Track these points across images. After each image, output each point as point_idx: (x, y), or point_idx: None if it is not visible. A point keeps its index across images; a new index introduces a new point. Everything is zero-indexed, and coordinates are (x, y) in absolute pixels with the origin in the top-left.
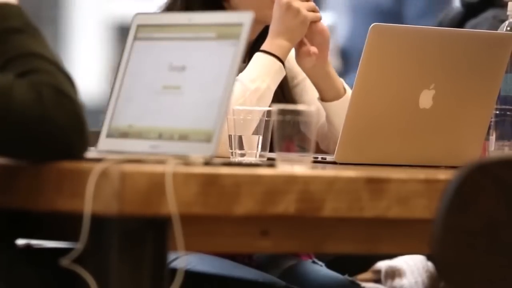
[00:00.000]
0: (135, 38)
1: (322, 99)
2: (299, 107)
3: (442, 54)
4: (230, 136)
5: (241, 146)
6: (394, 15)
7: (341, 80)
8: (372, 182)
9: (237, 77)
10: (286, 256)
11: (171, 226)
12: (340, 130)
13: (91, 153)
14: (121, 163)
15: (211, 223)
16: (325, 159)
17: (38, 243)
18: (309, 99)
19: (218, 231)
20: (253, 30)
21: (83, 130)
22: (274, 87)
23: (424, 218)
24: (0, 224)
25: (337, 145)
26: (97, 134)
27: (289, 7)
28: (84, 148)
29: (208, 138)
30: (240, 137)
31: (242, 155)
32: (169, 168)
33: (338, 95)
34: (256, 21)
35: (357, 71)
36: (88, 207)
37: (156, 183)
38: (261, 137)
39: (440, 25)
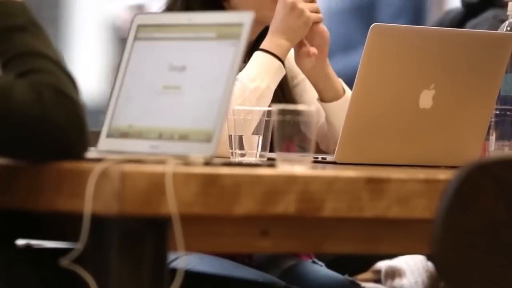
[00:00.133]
0: (135, 38)
1: (321, 99)
2: (299, 107)
3: (442, 54)
4: (230, 136)
5: (241, 146)
6: (368, 14)
7: (340, 80)
8: (372, 182)
9: (237, 76)
10: (286, 256)
11: (171, 226)
12: (340, 130)
13: (91, 153)
14: (121, 163)
15: (211, 223)
16: (325, 159)
17: (38, 243)
18: (309, 99)
19: (218, 231)
20: (253, 31)
21: (83, 130)
22: (273, 86)
23: (424, 218)
24: (0, 224)
25: (337, 145)
26: (97, 134)
27: (294, 7)
28: (84, 148)
29: (208, 138)
30: (240, 137)
31: (242, 155)
32: (169, 168)
33: (337, 96)
34: (256, 22)
35: (357, 71)
36: (88, 207)
37: (156, 183)
38: (261, 137)
39: (440, 25)
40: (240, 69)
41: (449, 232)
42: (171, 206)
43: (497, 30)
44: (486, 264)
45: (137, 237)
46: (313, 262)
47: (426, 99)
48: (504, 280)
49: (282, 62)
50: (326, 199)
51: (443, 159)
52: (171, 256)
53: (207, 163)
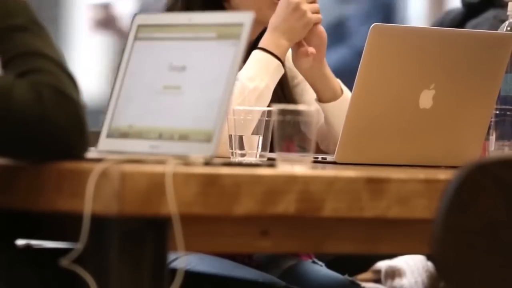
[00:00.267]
0: (136, 38)
1: (319, 100)
2: (300, 107)
3: (442, 54)
4: (230, 136)
5: (241, 146)
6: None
7: (338, 80)
8: (372, 182)
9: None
10: (286, 256)
11: (171, 226)
12: (338, 130)
13: (91, 153)
14: (121, 163)
15: (211, 223)
16: (325, 159)
17: (38, 243)
18: (309, 99)
19: (218, 231)
20: (253, 31)
21: (83, 131)
22: (272, 86)
23: (424, 218)
24: (0, 224)
25: (337, 145)
26: (97, 134)
27: (297, 8)
28: (84, 149)
29: (208, 138)
30: (240, 137)
31: (243, 155)
32: (169, 168)
33: (335, 96)
34: (256, 22)
35: (358, 71)
36: (88, 207)
37: (156, 183)
38: (261, 137)
39: (441, 25)
40: (240, 68)
41: (449, 232)
42: (171, 206)
43: (497, 30)
44: (486, 264)
45: (137, 237)
46: (313, 262)
47: (426, 99)
48: (504, 280)
49: (281, 61)
50: (326, 199)
51: (443, 159)
52: (171, 256)
53: (207, 163)
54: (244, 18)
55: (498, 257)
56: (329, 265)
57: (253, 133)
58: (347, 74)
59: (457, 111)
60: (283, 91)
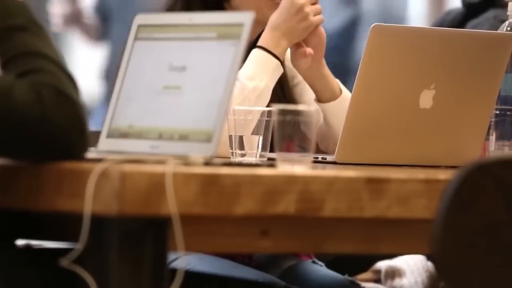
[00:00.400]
0: (136, 38)
1: (318, 100)
2: (300, 107)
3: (442, 54)
4: (230, 136)
5: (241, 146)
6: None
7: (337, 80)
8: (372, 182)
9: None
10: (286, 256)
11: (171, 226)
12: (338, 130)
13: (91, 153)
14: (121, 163)
15: (211, 223)
16: (325, 159)
17: (38, 243)
18: (309, 98)
19: (218, 231)
20: (253, 31)
21: (83, 131)
22: (272, 85)
23: (424, 218)
24: (0, 224)
25: (337, 145)
26: (97, 134)
27: (300, 10)
28: (84, 149)
29: (208, 138)
30: (240, 137)
31: (243, 155)
32: (169, 168)
33: (334, 96)
34: (256, 22)
35: (358, 71)
36: (88, 207)
37: (156, 183)
38: (261, 137)
39: (441, 25)
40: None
41: (449, 232)
42: (171, 206)
43: (497, 30)
44: (486, 264)
45: (137, 237)
46: (313, 262)
47: (426, 99)
48: (504, 280)
49: (280, 61)
50: (326, 199)
51: (443, 159)
52: (171, 256)
53: (207, 163)
54: (244, 18)
55: (498, 257)
56: (329, 265)
57: (253, 133)
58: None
59: (457, 111)
60: (283, 91)
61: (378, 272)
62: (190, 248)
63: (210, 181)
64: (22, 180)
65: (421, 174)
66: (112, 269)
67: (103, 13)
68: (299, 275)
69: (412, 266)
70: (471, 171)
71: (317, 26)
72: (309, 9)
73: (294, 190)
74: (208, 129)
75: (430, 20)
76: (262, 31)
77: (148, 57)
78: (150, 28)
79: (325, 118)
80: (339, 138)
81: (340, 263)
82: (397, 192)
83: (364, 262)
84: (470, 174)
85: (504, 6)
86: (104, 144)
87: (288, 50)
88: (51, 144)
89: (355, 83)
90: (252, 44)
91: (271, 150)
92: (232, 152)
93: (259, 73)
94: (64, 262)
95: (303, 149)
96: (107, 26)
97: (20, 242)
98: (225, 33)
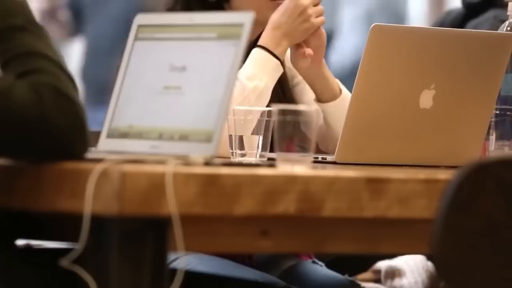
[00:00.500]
0: (136, 38)
1: (318, 100)
2: (300, 107)
3: (442, 54)
4: (230, 136)
5: (241, 146)
6: None
7: (337, 81)
8: (372, 182)
9: None
10: (286, 256)
11: (171, 226)
12: (338, 130)
13: (91, 153)
14: (121, 163)
15: (211, 223)
16: (325, 159)
17: (38, 243)
18: (309, 98)
19: (218, 231)
20: (253, 31)
21: (83, 131)
22: (272, 85)
23: (424, 218)
24: (0, 224)
25: (338, 145)
26: (97, 134)
27: (303, 11)
28: (84, 149)
29: (208, 138)
30: (240, 137)
31: (243, 155)
32: (169, 168)
33: (333, 96)
34: (256, 22)
35: (358, 71)
36: (88, 207)
37: (156, 183)
38: (261, 137)
39: (441, 25)
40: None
41: (449, 232)
42: (171, 206)
43: (497, 30)
44: (486, 264)
45: (137, 237)
46: (313, 262)
47: (426, 99)
48: (504, 280)
49: (280, 60)
50: (326, 199)
51: (443, 159)
52: (171, 256)
53: (207, 163)
54: (244, 18)
55: (498, 257)
56: (329, 265)
57: (253, 133)
58: None
59: (457, 111)
60: (283, 91)
61: (378, 272)
62: (190, 248)
63: (210, 181)
64: (22, 180)
65: (421, 174)
66: (112, 269)
67: (77, 9)
68: (299, 275)
69: (412, 266)
70: (471, 171)
71: (319, 27)
72: (312, 10)
73: (294, 190)
74: (208, 129)
75: (430, 20)
76: (262, 31)
77: (148, 57)
78: (150, 28)
79: (325, 118)
80: (339, 138)
81: (340, 263)
82: (397, 192)
83: (364, 262)
84: (470, 174)
85: (504, 6)
86: (104, 144)
87: (288, 50)
88: (51, 144)
89: (355, 83)
90: (252, 44)
91: (271, 150)
92: (232, 152)
93: (259, 73)
94: (64, 262)
95: (303, 149)
96: (81, 23)
97: (20, 242)
98: (225, 33)
